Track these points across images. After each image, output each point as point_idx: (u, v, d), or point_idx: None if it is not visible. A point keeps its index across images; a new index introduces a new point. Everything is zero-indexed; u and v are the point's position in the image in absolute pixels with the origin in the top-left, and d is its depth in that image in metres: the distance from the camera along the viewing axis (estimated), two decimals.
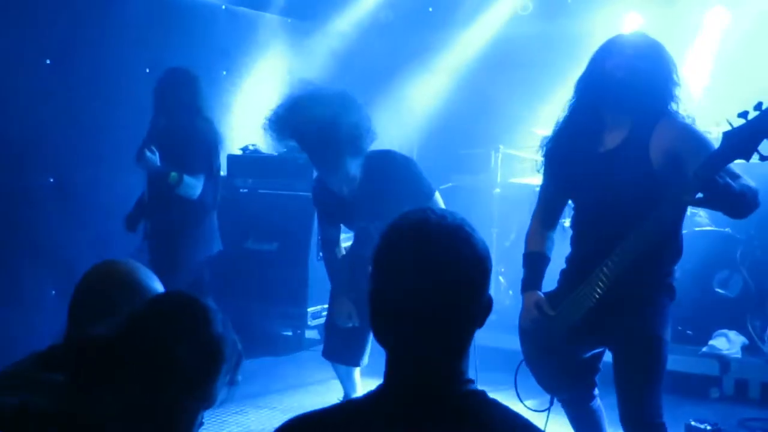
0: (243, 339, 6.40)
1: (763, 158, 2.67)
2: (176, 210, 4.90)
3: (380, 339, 1.62)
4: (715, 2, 7.26)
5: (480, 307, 1.62)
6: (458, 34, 8.25)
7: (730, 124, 2.69)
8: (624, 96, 3.02)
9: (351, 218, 4.34)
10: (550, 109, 7.04)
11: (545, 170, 3.35)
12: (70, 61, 5.89)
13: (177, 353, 1.81)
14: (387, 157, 4.23)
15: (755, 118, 2.64)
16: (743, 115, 2.67)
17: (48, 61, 5.73)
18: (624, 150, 3.04)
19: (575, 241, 3.27)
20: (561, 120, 3.27)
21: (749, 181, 2.86)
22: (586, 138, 3.13)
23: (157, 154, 4.78)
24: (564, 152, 3.20)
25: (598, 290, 3.01)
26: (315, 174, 4.50)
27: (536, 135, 7.07)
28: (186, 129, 4.91)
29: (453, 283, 1.56)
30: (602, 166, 3.07)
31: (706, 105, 5.63)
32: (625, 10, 7.74)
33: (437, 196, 4.17)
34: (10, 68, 5.35)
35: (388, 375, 1.61)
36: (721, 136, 2.70)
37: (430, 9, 8.52)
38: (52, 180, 4.62)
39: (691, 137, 2.99)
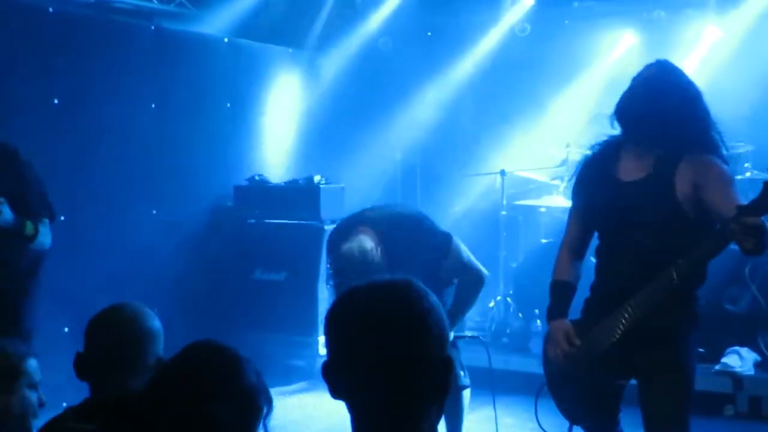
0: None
1: None
2: (25, 261, 4.09)
3: (337, 397, 1.59)
4: (708, 21, 7.33)
5: (432, 365, 1.55)
6: (458, 58, 8.32)
7: None
8: (651, 133, 3.04)
9: None
10: (552, 126, 7.14)
11: (573, 199, 3.39)
12: (77, 99, 5.95)
13: (212, 409, 1.76)
14: (397, 224, 4.07)
15: None
16: None
17: (56, 101, 5.80)
18: (650, 182, 3.06)
19: (599, 271, 3.28)
20: (589, 149, 3.32)
21: None
22: (612, 168, 3.16)
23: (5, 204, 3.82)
24: (590, 181, 3.24)
25: (625, 323, 3.02)
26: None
27: (539, 154, 7.16)
28: (14, 172, 4.02)
29: (397, 339, 1.52)
30: (627, 197, 3.08)
31: None
32: (621, 30, 7.83)
33: (455, 243, 4.03)
34: (19, 108, 5.42)
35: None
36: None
37: (429, 34, 8.61)
38: (63, 218, 4.66)
39: (716, 174, 2.99)
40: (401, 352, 1.52)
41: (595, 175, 3.22)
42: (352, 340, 1.54)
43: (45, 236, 4.08)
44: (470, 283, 4.05)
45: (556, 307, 3.30)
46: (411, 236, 3.92)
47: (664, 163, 3.04)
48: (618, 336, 3.05)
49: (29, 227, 3.95)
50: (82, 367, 2.30)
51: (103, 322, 2.35)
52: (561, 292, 3.33)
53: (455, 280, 4.06)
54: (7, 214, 3.79)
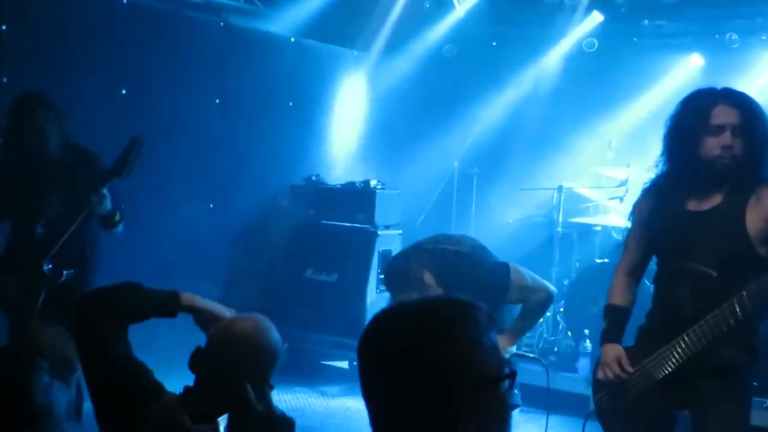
0: (297, 367, 6.42)
1: None
2: (91, 246, 4.43)
3: None
4: None
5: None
6: (522, 69, 8.27)
7: None
8: (724, 174, 2.98)
9: None
10: (614, 144, 7.03)
11: (633, 222, 3.31)
12: (144, 91, 6.07)
13: None
14: (455, 265, 3.95)
15: None
16: None
17: (123, 91, 5.91)
18: (719, 213, 2.98)
19: (657, 298, 3.22)
20: (655, 174, 3.23)
21: None
22: (679, 195, 3.09)
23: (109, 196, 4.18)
24: (655, 206, 3.17)
25: (683, 353, 2.97)
26: None
27: (598, 172, 7.07)
28: (87, 161, 4.34)
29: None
30: (693, 226, 3.02)
31: None
32: (689, 51, 7.70)
33: (514, 273, 3.92)
34: (87, 97, 5.54)
35: None
36: None
37: (494, 43, 8.57)
38: (122, 206, 4.76)
39: None
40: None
41: (660, 201, 3.15)
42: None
43: (121, 225, 4.45)
44: (538, 302, 3.98)
45: (610, 332, 3.25)
46: (471, 278, 3.86)
47: (736, 195, 2.97)
48: (673, 367, 2.99)
49: (118, 215, 4.34)
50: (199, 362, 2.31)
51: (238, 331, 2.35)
52: (615, 317, 3.28)
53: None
54: (109, 204, 4.17)
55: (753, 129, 2.94)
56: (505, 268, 3.93)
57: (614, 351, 3.17)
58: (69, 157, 4.25)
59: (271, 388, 2.30)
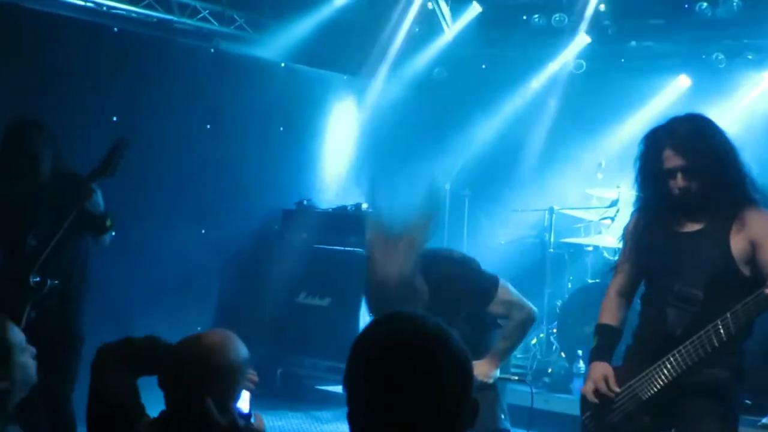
0: (290, 392, 6.39)
1: None
2: (80, 265, 4.37)
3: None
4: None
5: (464, 414, 1.53)
6: (512, 92, 8.32)
7: None
8: (699, 205, 3.05)
9: None
10: (603, 166, 7.07)
11: (624, 243, 3.36)
12: (135, 117, 6.09)
13: None
14: (443, 260, 4.11)
15: None
16: None
17: (115, 118, 5.93)
18: (705, 235, 3.04)
19: (644, 318, 3.25)
20: (640, 196, 3.29)
21: None
22: (666, 218, 3.15)
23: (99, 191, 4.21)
24: (645, 227, 3.22)
25: (668, 374, 2.99)
26: None
27: (589, 193, 7.09)
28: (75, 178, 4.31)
29: (432, 398, 1.48)
30: (681, 247, 3.07)
31: None
32: (676, 72, 7.78)
33: (502, 285, 3.86)
34: (79, 124, 5.55)
35: None
36: None
37: (484, 66, 8.62)
38: (113, 233, 4.76)
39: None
40: (435, 412, 1.49)
41: (650, 222, 3.20)
42: (381, 402, 1.51)
43: (110, 235, 4.45)
44: (519, 322, 3.97)
45: (600, 350, 3.27)
46: (459, 283, 3.86)
47: (720, 218, 3.02)
48: (659, 387, 3.01)
49: (109, 220, 4.36)
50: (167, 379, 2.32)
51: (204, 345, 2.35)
52: (606, 336, 3.31)
53: (502, 322, 4.01)
54: (101, 200, 4.23)
55: (703, 166, 3.01)
56: (494, 279, 3.93)
57: (602, 369, 3.19)
58: (60, 183, 4.26)
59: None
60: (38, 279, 4.08)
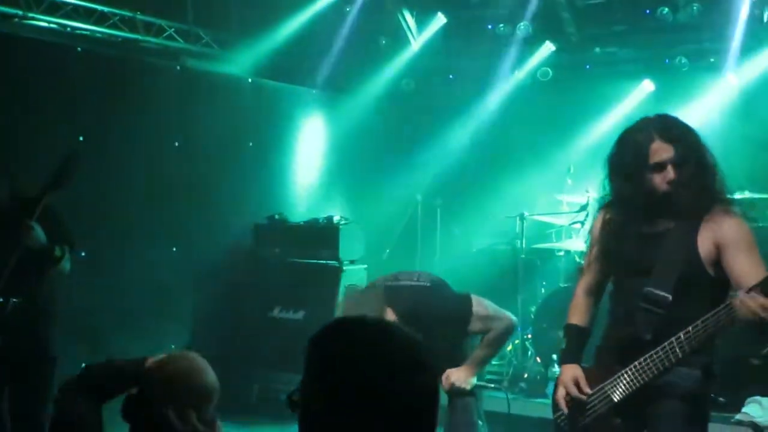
0: (267, 408, 6.35)
1: None
2: (45, 286, 4.31)
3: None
4: (727, 70, 7.37)
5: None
6: (480, 101, 8.38)
7: None
8: (671, 205, 3.01)
9: None
10: (572, 170, 7.14)
11: (589, 244, 3.34)
12: (102, 137, 6.05)
13: None
14: (408, 290, 3.96)
15: None
16: None
17: (81, 138, 5.89)
18: (672, 235, 3.02)
19: (614, 319, 3.23)
20: (606, 196, 3.23)
21: None
22: (632, 218, 3.11)
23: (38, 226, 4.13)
24: (609, 229, 3.18)
25: (638, 379, 2.99)
26: None
27: (559, 198, 7.15)
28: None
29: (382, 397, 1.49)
30: (648, 247, 3.05)
31: None
32: (640, 77, 7.89)
33: (476, 304, 3.93)
34: (44, 145, 5.50)
35: None
36: None
37: (451, 76, 8.68)
38: (83, 254, 4.72)
39: (740, 236, 2.95)
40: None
41: (615, 222, 3.17)
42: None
43: (67, 261, 4.34)
44: (500, 331, 3.98)
45: (569, 351, 3.28)
46: (433, 311, 3.84)
47: (687, 219, 3.00)
48: (629, 390, 3.01)
49: (58, 250, 4.24)
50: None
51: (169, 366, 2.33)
52: (574, 336, 3.31)
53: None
54: (40, 234, 4.10)
55: (691, 158, 3.00)
56: (467, 299, 3.94)
57: (572, 371, 3.19)
58: (17, 208, 4.20)
59: (216, 425, 2.29)
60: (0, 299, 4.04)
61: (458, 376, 3.91)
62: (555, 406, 3.30)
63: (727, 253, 2.93)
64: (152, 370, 2.33)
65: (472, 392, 4.01)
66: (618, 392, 3.06)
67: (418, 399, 1.51)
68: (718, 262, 2.96)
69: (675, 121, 3.09)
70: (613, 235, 3.18)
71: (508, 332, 4.01)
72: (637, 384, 3.01)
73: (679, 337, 2.88)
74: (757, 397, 5.47)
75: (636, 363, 3.00)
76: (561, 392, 3.22)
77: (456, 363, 3.98)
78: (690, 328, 2.87)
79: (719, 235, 2.95)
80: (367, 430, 1.47)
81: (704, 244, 2.97)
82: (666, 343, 2.91)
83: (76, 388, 2.31)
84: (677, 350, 2.90)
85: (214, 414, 2.32)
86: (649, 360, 2.96)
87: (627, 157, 3.06)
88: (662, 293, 2.98)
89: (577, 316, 3.33)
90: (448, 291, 4.01)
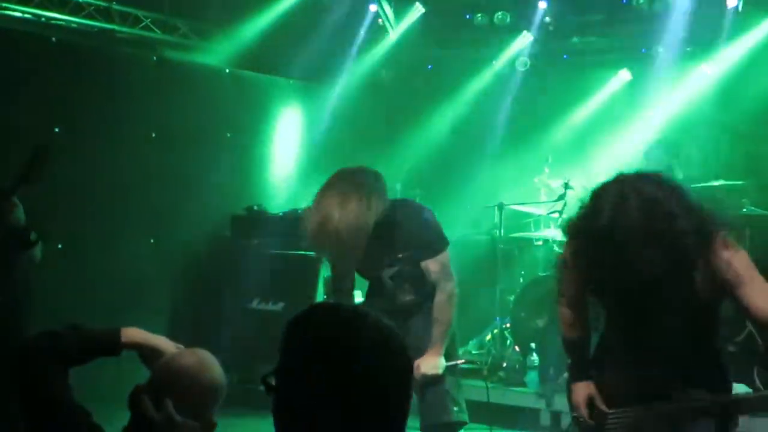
0: (247, 399, 6.33)
1: None
2: (20, 271, 4.30)
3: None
4: (705, 59, 7.43)
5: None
6: (459, 91, 8.40)
7: None
8: (664, 241, 2.70)
9: (364, 266, 4.11)
10: (551, 160, 7.18)
11: (568, 262, 3.05)
12: (78, 128, 6.00)
13: None
14: (403, 204, 4.07)
15: None
16: None
17: (57, 129, 5.84)
18: (668, 276, 2.73)
19: (624, 360, 3.03)
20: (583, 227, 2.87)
21: None
22: (623, 247, 2.72)
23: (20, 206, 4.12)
24: (596, 254, 2.82)
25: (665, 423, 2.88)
26: None
27: (537, 188, 7.18)
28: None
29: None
30: (642, 287, 2.75)
31: None
32: (617, 66, 7.93)
33: (445, 254, 3.91)
34: (20, 136, 5.45)
35: None
36: None
37: (430, 66, 8.68)
38: (60, 246, 4.69)
39: (740, 269, 2.78)
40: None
41: (602, 248, 2.79)
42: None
43: (39, 248, 4.27)
44: (445, 298, 3.93)
45: (575, 368, 3.18)
46: (412, 219, 3.85)
47: (683, 256, 2.74)
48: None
49: (34, 234, 4.18)
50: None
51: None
52: (575, 350, 3.19)
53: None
54: (21, 214, 4.09)
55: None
56: (446, 240, 3.96)
57: (585, 390, 3.09)
58: None
59: (215, 425, 2.26)
60: None
61: (427, 364, 3.85)
62: (576, 421, 3.18)
63: (733, 288, 2.79)
64: (161, 364, 2.30)
65: (444, 376, 3.93)
66: (639, 426, 2.96)
67: (387, 383, 1.53)
68: (721, 293, 2.83)
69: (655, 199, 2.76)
70: (600, 264, 2.80)
71: (452, 298, 3.91)
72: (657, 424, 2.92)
73: (718, 400, 2.79)
74: (733, 384, 5.53)
75: (660, 407, 2.88)
76: (578, 411, 3.11)
77: (421, 352, 3.91)
78: (734, 397, 2.85)
79: (720, 273, 2.79)
80: (336, 412, 1.49)
81: (704, 284, 2.81)
82: (705, 401, 2.81)
83: (43, 352, 2.27)
84: (711, 410, 2.78)
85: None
86: (675, 408, 2.85)
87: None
88: (661, 324, 2.85)
89: (572, 330, 3.18)
90: (435, 222, 3.98)
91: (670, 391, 2.87)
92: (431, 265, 3.88)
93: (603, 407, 3.04)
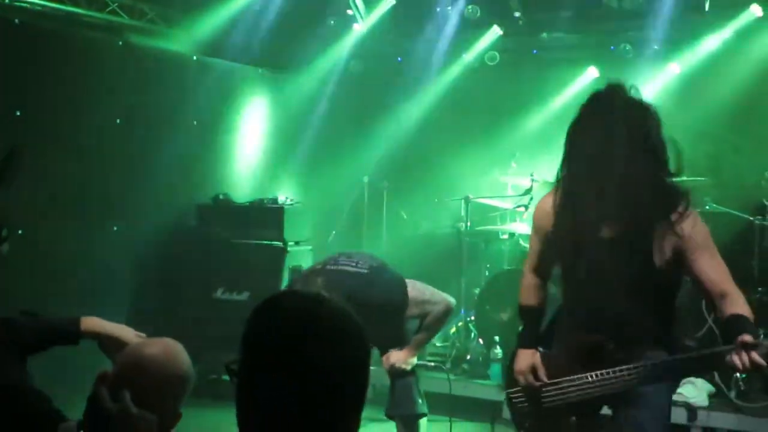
0: (212, 389, 6.30)
1: None
2: None
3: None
4: (672, 58, 7.50)
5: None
6: (428, 84, 8.40)
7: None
8: (624, 203, 2.84)
9: None
10: (517, 155, 7.21)
11: (535, 229, 3.20)
12: (40, 112, 5.90)
13: None
14: (348, 276, 4.00)
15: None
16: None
17: (18, 113, 5.73)
18: (624, 242, 2.87)
19: (573, 319, 3.11)
20: (559, 190, 3.01)
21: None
22: (584, 214, 2.90)
23: None
24: (559, 222, 3.00)
25: (597, 389, 2.94)
26: None
27: (504, 182, 7.22)
28: None
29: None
30: (599, 254, 2.89)
31: None
32: (585, 63, 7.98)
33: (410, 291, 3.99)
34: None
35: None
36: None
37: (399, 59, 8.67)
38: (21, 232, 4.61)
39: (700, 240, 2.84)
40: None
41: (563, 216, 2.98)
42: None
43: (6, 244, 4.12)
44: (438, 314, 4.07)
45: (525, 336, 3.25)
46: (369, 300, 3.80)
47: (640, 223, 2.85)
48: (588, 397, 2.97)
49: (5, 231, 4.01)
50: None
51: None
52: (530, 318, 3.28)
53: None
54: None
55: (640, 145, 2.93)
56: (401, 286, 3.99)
57: (530, 358, 3.16)
58: None
59: (179, 416, 2.23)
60: None
61: (398, 357, 4.01)
62: (510, 381, 3.27)
63: (690, 258, 2.84)
64: (126, 354, 2.26)
65: (413, 372, 4.11)
66: (576, 395, 3.01)
67: (342, 368, 1.55)
68: (678, 264, 2.86)
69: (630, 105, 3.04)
70: (568, 234, 2.97)
71: (446, 315, 4.10)
72: (599, 393, 2.96)
73: (656, 364, 2.84)
74: (691, 378, 5.60)
75: (601, 373, 2.93)
76: (515, 377, 3.19)
77: (399, 345, 4.07)
78: (670, 358, 2.85)
79: (678, 242, 2.84)
80: (294, 399, 1.51)
81: (662, 252, 2.85)
82: (640, 365, 2.85)
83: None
84: (650, 375, 2.84)
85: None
86: (617, 374, 2.89)
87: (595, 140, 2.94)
88: (622, 306, 2.89)
89: (530, 297, 3.27)
90: (387, 276, 4.04)
91: (615, 356, 2.92)
92: (410, 313, 4.03)
93: (543, 378, 3.12)
